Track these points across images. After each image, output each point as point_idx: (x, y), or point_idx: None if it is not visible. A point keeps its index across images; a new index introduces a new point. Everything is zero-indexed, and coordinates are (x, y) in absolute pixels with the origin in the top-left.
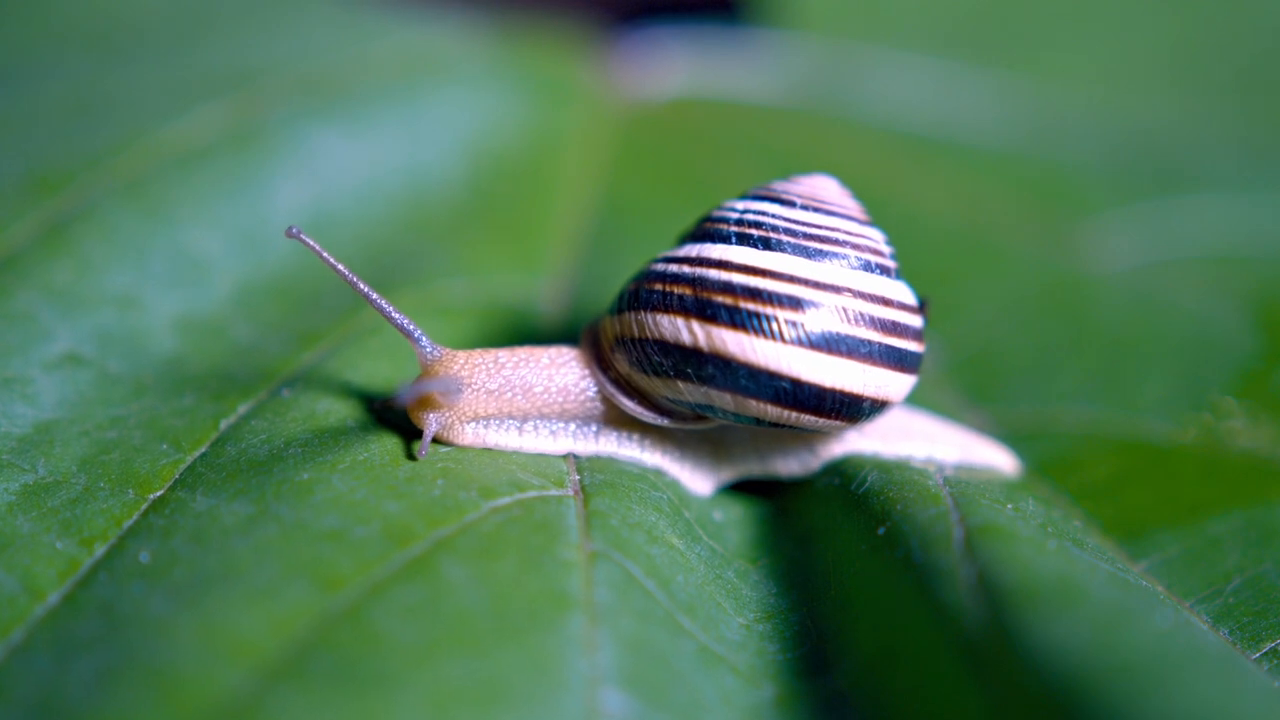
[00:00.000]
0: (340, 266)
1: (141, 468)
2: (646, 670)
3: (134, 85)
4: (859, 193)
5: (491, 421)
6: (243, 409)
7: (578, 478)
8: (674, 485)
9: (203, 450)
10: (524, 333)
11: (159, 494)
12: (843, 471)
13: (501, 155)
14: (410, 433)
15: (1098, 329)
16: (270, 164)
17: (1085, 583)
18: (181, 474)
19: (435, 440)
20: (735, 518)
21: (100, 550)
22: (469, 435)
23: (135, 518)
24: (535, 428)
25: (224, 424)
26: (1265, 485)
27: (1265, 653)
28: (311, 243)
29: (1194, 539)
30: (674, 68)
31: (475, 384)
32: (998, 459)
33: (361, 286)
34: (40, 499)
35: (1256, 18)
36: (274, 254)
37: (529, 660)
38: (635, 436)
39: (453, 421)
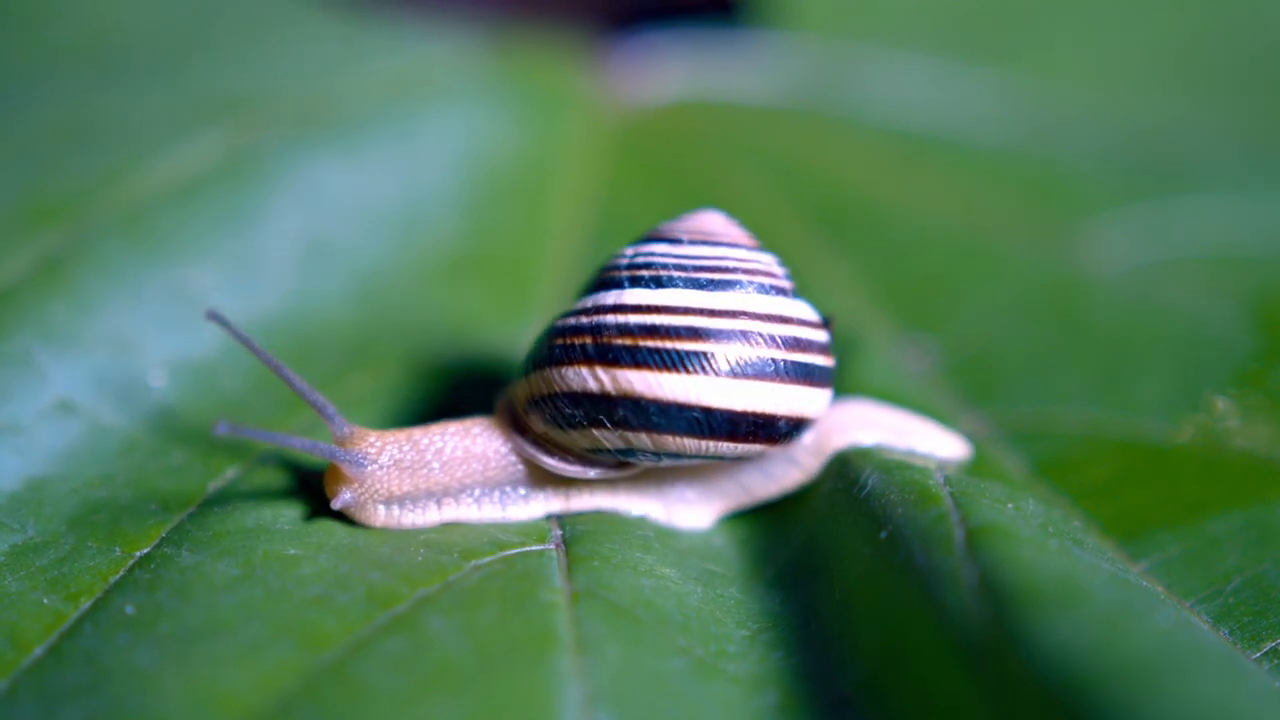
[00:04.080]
0: (255, 344)
1: (129, 527)
2: (639, 690)
3: (128, 110)
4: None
5: (407, 500)
6: (230, 473)
7: (560, 533)
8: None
9: (190, 511)
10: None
11: (145, 551)
12: (844, 475)
13: (497, 173)
14: None
15: (1096, 329)
16: (265, 195)
17: (1087, 582)
18: (168, 533)
19: (347, 519)
20: (740, 538)
21: (86, 604)
22: (381, 516)
23: (121, 573)
24: (456, 500)
25: (212, 486)
26: (1265, 485)
27: (1265, 653)
28: (231, 326)
29: (1194, 539)
30: (671, 72)
31: (384, 462)
32: (947, 444)
33: (274, 363)
34: (28, 559)
35: (1257, 17)
36: (266, 295)
37: (516, 696)
38: (562, 492)
39: (365, 500)
